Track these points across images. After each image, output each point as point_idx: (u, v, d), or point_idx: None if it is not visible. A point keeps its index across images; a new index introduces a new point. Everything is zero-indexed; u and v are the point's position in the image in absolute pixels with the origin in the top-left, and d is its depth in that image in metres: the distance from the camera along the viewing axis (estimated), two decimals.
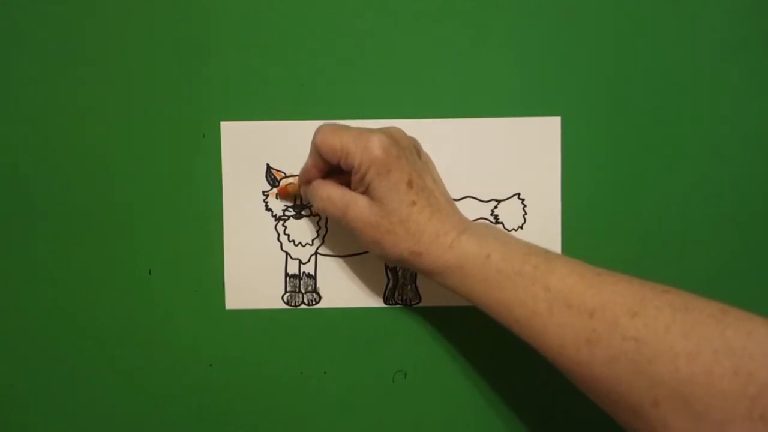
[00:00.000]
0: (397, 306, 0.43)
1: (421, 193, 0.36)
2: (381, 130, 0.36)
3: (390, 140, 0.35)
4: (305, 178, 0.39)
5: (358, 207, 0.36)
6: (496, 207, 0.43)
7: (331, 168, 0.38)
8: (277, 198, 0.43)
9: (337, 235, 0.43)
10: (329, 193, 0.37)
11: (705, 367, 0.27)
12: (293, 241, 0.43)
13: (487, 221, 0.43)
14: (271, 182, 0.43)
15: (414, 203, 0.35)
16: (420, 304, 0.43)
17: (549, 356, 0.32)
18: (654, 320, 0.29)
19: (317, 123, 0.42)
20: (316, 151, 0.37)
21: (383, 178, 0.35)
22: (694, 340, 0.28)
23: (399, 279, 0.43)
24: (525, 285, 0.33)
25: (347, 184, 0.37)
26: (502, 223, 0.43)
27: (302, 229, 0.43)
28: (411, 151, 0.37)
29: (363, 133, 0.35)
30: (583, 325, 0.30)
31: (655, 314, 0.29)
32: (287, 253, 0.43)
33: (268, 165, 0.43)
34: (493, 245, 0.34)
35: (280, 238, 0.43)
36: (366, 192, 0.36)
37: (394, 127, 0.37)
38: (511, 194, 0.43)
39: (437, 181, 0.38)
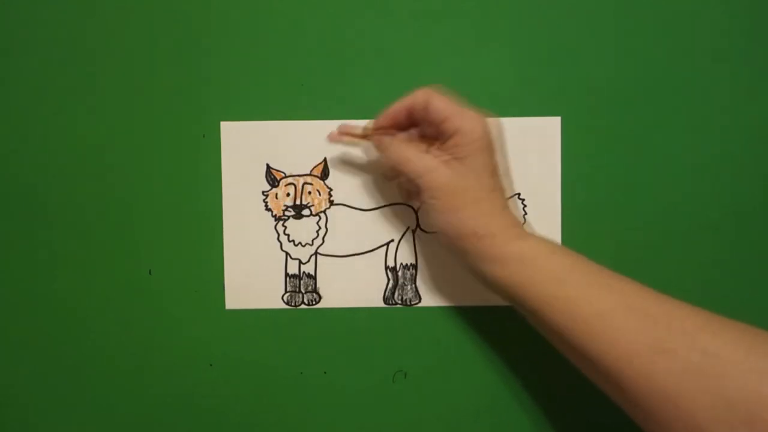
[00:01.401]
0: (397, 306, 0.43)
1: (500, 183, 0.37)
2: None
3: (489, 125, 0.36)
4: (383, 122, 0.39)
5: (440, 173, 0.36)
6: None
7: (408, 126, 0.39)
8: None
9: (337, 235, 0.43)
10: (408, 156, 0.37)
11: None
12: (293, 241, 0.43)
13: None
14: (271, 182, 0.43)
15: (495, 189, 0.36)
16: (420, 304, 0.43)
17: (603, 361, 0.31)
18: (727, 334, 0.29)
19: (317, 123, 0.42)
20: (418, 102, 0.37)
21: (483, 154, 0.36)
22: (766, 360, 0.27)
23: (399, 279, 0.43)
24: (590, 283, 0.32)
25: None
26: None
27: (302, 229, 0.43)
28: (495, 147, 0.38)
29: (467, 108, 0.36)
30: (651, 332, 0.30)
31: (728, 330, 0.29)
32: (287, 253, 0.43)
33: (268, 165, 0.43)
34: (557, 246, 0.35)
35: (280, 238, 0.43)
36: (457, 160, 0.36)
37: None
38: (511, 194, 0.43)
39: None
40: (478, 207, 0.35)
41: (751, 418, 0.26)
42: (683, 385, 0.28)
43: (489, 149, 0.36)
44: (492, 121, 0.37)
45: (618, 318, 0.31)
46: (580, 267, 0.34)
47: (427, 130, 0.38)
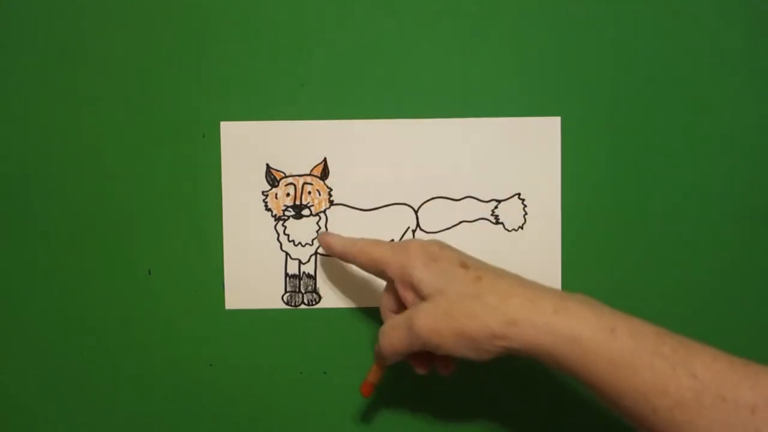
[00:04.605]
0: None
1: (482, 268, 0.33)
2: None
3: (428, 242, 0.35)
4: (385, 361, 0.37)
5: (420, 313, 0.32)
6: (496, 207, 0.43)
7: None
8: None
9: None
10: (388, 324, 0.35)
11: None
12: (293, 241, 0.43)
13: (487, 220, 0.43)
14: (270, 182, 0.43)
15: (479, 278, 0.32)
16: None
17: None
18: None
19: (317, 123, 0.42)
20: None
21: (431, 268, 0.33)
22: None
23: None
24: (665, 370, 0.28)
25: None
26: (502, 223, 0.43)
27: (302, 229, 0.43)
28: (453, 249, 0.35)
29: (399, 243, 0.35)
30: (742, 423, 0.27)
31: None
32: (287, 253, 0.43)
33: (267, 165, 0.43)
34: (612, 317, 0.30)
35: (280, 238, 0.43)
36: (421, 296, 0.33)
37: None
38: (511, 194, 0.43)
39: None
40: (480, 304, 0.31)
41: None
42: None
43: (437, 256, 0.33)
44: (428, 244, 0.35)
45: (698, 408, 0.28)
46: (646, 349, 0.29)
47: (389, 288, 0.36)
